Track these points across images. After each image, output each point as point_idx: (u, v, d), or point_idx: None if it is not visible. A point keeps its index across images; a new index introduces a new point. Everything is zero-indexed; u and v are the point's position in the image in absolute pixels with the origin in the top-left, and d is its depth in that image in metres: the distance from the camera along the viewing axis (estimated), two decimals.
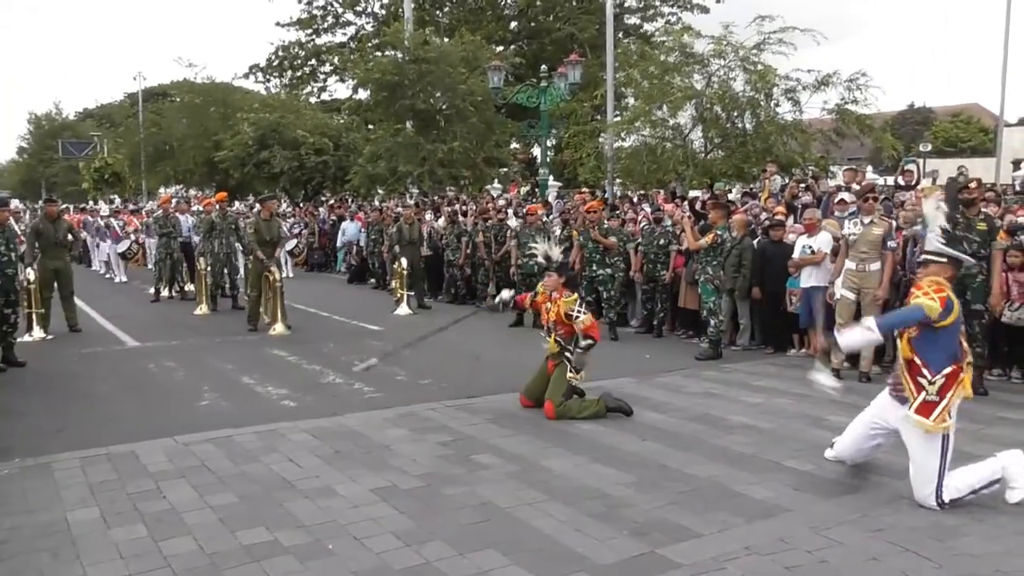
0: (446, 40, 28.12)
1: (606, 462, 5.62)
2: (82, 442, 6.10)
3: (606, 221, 11.48)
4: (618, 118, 20.23)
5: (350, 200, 25.37)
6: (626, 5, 36.85)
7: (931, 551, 4.13)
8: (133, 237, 19.53)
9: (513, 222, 14.29)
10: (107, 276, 20.12)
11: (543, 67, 21.48)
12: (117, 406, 7.38)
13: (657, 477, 5.31)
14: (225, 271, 14.01)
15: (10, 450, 5.91)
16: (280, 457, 5.76)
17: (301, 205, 27.06)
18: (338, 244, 20.79)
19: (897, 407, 4.90)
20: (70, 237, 11.98)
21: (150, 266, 16.63)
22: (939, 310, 4.61)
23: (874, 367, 8.31)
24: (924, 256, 4.99)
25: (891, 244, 8.38)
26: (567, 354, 6.97)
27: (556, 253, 7.39)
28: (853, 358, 8.30)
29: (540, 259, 7.49)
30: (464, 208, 17.01)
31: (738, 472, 5.40)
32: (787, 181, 13.40)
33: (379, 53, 29.84)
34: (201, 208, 16.87)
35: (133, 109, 46.82)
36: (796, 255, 9.42)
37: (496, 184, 26.22)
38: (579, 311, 6.93)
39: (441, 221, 16.17)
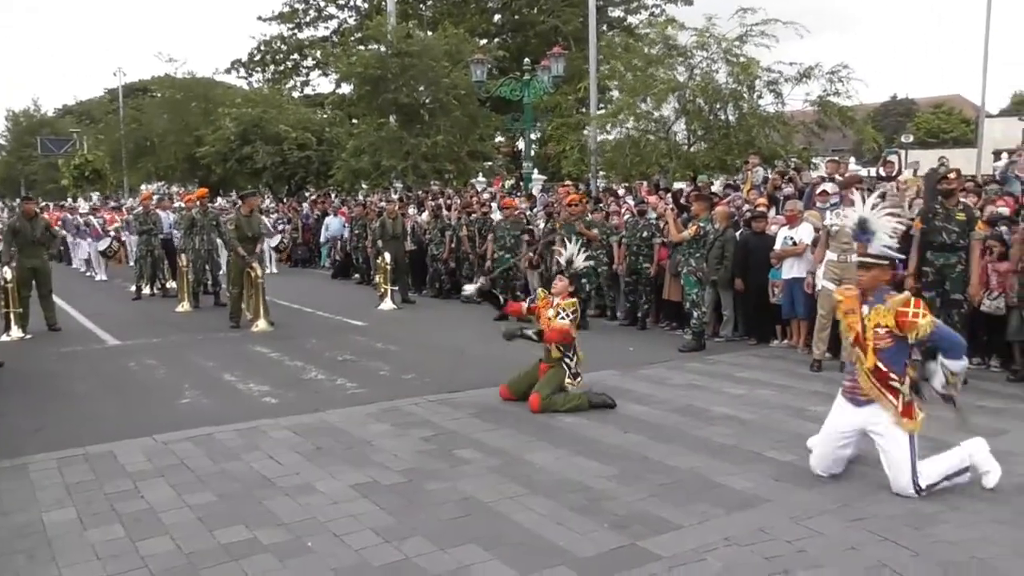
0: (429, 33, 28.02)
1: (588, 455, 5.62)
2: (60, 442, 6.04)
3: (589, 214, 11.48)
4: (602, 111, 20.22)
5: (333, 195, 25.26)
6: None
7: (909, 539, 4.15)
8: (114, 234, 19.38)
9: (497, 216, 14.27)
10: (88, 274, 19.96)
11: (526, 60, 21.44)
12: (96, 405, 7.31)
13: (639, 469, 5.31)
14: (207, 268, 13.92)
15: None
16: (261, 455, 5.72)
17: (285, 201, 26.94)
18: (322, 239, 20.70)
19: (855, 410, 4.96)
20: (49, 235, 11.89)
21: (131, 264, 16.50)
22: None
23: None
24: (865, 259, 4.92)
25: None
26: (566, 360, 6.96)
27: (580, 261, 7.52)
28: (834, 349, 8.35)
29: (562, 261, 7.56)
30: (448, 202, 16.97)
31: (719, 463, 5.41)
32: (769, 173, 13.44)
33: (362, 47, 29.70)
34: (183, 205, 16.75)
35: (113, 105, 46.39)
36: (778, 246, 9.44)
37: (481, 178, 26.18)
38: (566, 314, 6.93)
39: (425, 215, 16.13)
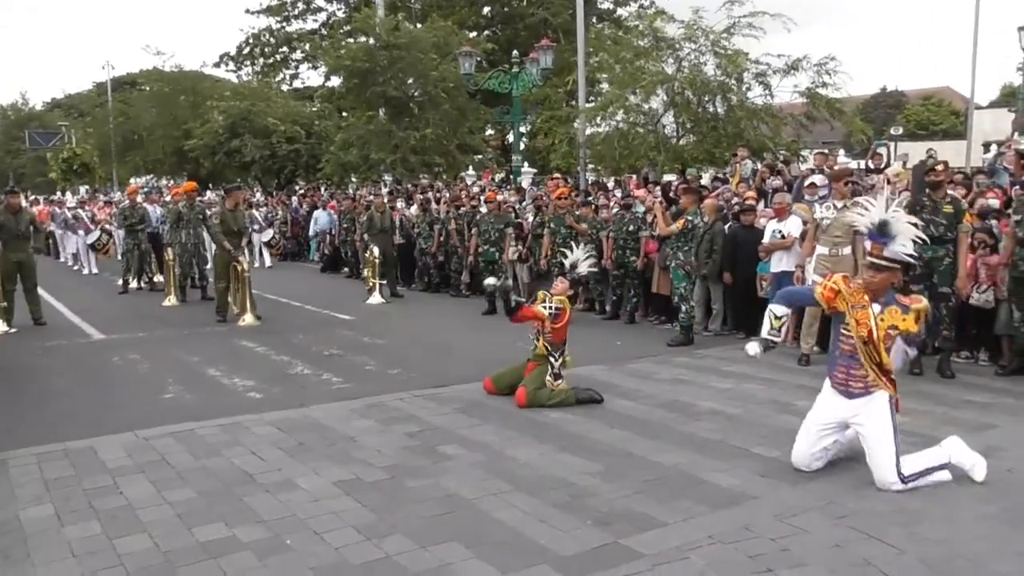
0: (418, 26, 27.88)
1: (573, 451, 5.57)
2: (39, 438, 5.97)
3: (579, 209, 11.42)
4: (592, 103, 20.15)
5: (323, 189, 25.15)
6: None
7: (894, 537, 4.12)
8: (102, 227, 19.19)
9: (485, 209, 14.21)
10: (75, 268, 19.83)
11: (514, 53, 21.34)
12: (77, 400, 7.24)
13: (623, 465, 5.26)
14: (193, 262, 13.84)
15: None
16: (243, 450, 5.66)
17: (274, 194, 26.80)
18: (310, 233, 20.63)
19: (845, 402, 4.96)
20: (34, 229, 11.78)
21: (119, 257, 16.39)
22: None
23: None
24: (880, 261, 4.91)
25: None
26: (551, 359, 6.91)
27: (584, 267, 7.48)
28: (823, 342, 8.33)
29: (566, 263, 7.53)
30: (437, 195, 16.89)
31: (705, 459, 5.37)
32: (758, 166, 13.40)
33: (351, 40, 29.55)
34: (171, 199, 16.64)
35: (101, 98, 46.09)
36: (766, 240, 9.41)
37: (471, 171, 26.10)
38: (549, 307, 6.87)
39: (413, 209, 16.05)
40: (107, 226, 18.77)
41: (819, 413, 5.09)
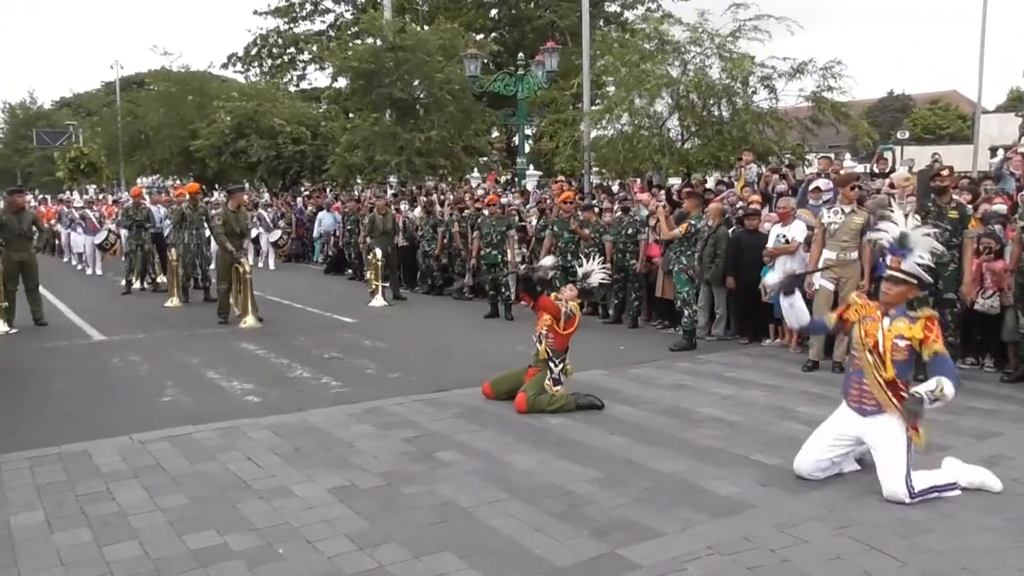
0: (425, 28, 27.85)
1: (572, 458, 5.50)
2: (34, 441, 5.92)
3: (581, 213, 11.35)
4: (598, 106, 20.07)
5: (328, 190, 25.13)
6: None
7: (896, 549, 4.04)
8: (110, 227, 19.18)
9: (487, 211, 14.15)
10: (79, 268, 19.82)
11: (520, 55, 21.29)
12: (74, 403, 7.19)
13: (622, 473, 5.19)
14: (196, 262, 13.80)
15: None
16: (238, 455, 5.61)
17: (279, 195, 26.79)
18: (315, 235, 20.59)
19: (860, 419, 4.91)
20: (36, 228, 11.79)
21: (123, 258, 16.37)
22: None
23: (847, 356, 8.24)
24: (897, 274, 4.87)
25: (869, 235, 8.28)
26: (551, 364, 6.85)
27: (596, 278, 7.41)
28: (828, 348, 8.26)
29: (579, 272, 7.49)
30: (441, 198, 16.84)
31: (705, 467, 5.30)
32: (763, 169, 13.32)
33: (357, 41, 29.53)
34: (175, 199, 16.62)
35: (109, 98, 46.16)
36: (771, 244, 9.34)
37: (476, 173, 26.04)
38: (568, 307, 6.89)
39: (417, 211, 16.01)
40: (111, 226, 18.82)
41: (835, 424, 5.05)
